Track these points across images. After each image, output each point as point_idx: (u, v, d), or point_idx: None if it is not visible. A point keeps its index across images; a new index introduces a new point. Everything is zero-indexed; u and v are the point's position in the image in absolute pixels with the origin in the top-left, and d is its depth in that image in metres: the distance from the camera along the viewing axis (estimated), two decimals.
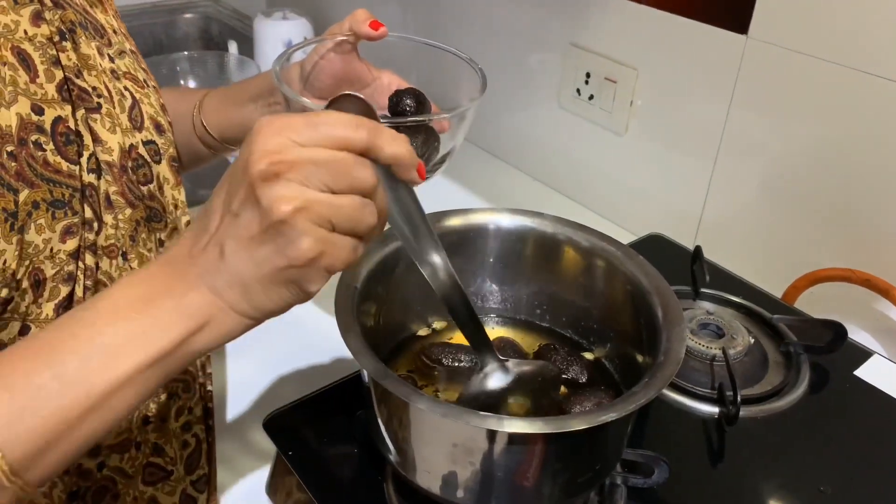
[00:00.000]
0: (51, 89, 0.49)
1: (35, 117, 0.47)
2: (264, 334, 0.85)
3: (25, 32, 0.48)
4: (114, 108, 0.54)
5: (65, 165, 0.49)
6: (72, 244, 0.49)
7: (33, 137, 0.47)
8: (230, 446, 0.71)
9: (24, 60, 0.47)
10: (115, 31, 0.59)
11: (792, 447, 0.67)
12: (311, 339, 0.84)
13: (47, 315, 0.49)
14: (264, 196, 0.37)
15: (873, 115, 0.77)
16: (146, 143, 0.57)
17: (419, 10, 1.34)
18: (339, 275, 0.59)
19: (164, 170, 0.59)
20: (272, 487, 0.66)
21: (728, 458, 0.67)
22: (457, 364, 0.65)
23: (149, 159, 0.57)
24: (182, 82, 1.46)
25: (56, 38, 0.50)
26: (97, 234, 0.51)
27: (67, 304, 0.49)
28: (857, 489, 0.64)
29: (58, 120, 0.49)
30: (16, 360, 0.38)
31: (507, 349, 0.66)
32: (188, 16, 1.77)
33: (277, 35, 1.40)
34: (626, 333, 0.64)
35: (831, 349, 0.76)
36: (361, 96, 0.43)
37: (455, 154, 0.70)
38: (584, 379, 0.64)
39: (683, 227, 1.01)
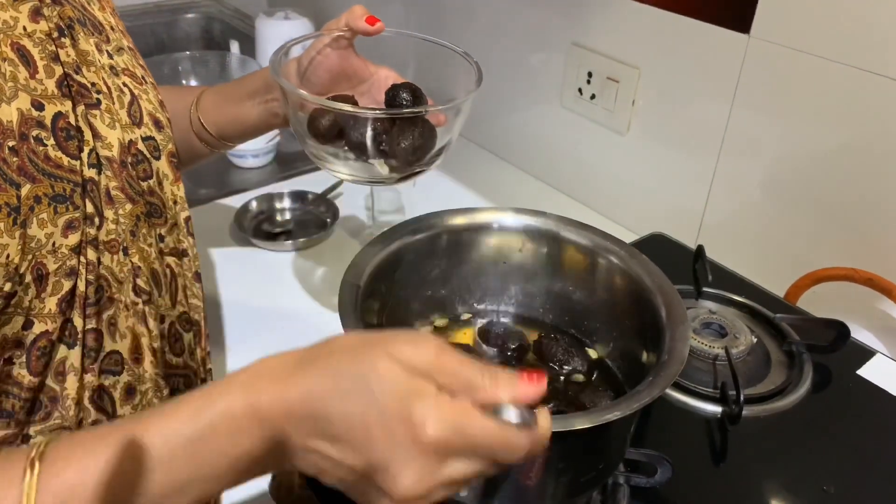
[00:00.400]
0: (50, 85, 0.49)
1: (35, 113, 0.47)
2: (267, 331, 0.85)
3: (24, 29, 0.48)
4: (113, 103, 0.54)
5: (66, 160, 0.49)
6: (73, 239, 0.49)
7: (34, 133, 0.47)
8: None
9: (24, 56, 0.48)
10: (112, 28, 0.59)
11: (795, 447, 0.67)
12: (314, 337, 0.84)
13: (50, 309, 0.49)
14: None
15: (876, 114, 0.77)
16: (145, 138, 0.57)
17: (421, 10, 1.34)
18: (343, 274, 0.59)
19: (163, 166, 0.59)
20: (274, 486, 0.66)
21: (731, 457, 0.67)
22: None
23: (148, 155, 0.57)
24: (184, 82, 1.47)
25: (55, 35, 0.50)
26: (98, 228, 0.51)
27: (70, 298, 0.50)
28: (860, 488, 0.64)
29: (58, 115, 0.49)
30: None
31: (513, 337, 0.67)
32: (190, 15, 1.77)
33: (279, 35, 1.40)
34: (629, 332, 0.64)
35: (834, 348, 0.76)
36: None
37: (451, 147, 0.70)
38: (583, 368, 0.64)
39: (686, 226, 1.01)
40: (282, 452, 0.39)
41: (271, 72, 0.66)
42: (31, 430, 0.50)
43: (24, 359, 0.48)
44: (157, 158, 0.59)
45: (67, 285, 0.49)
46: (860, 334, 0.84)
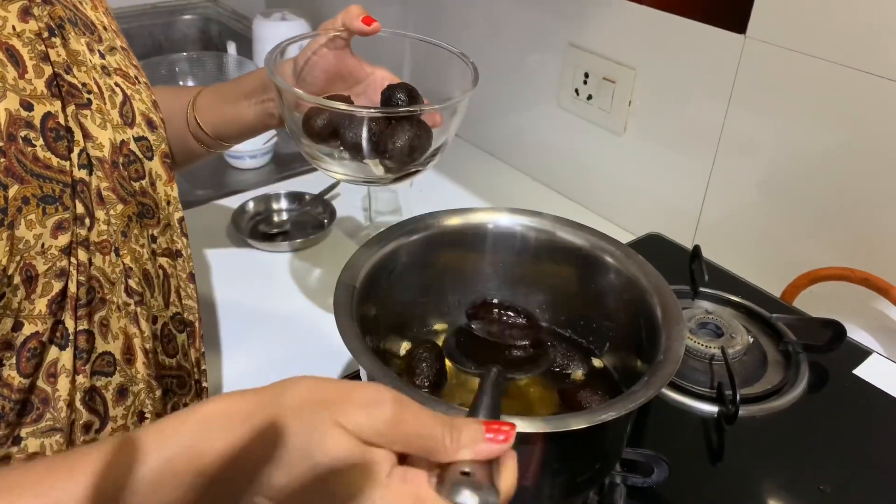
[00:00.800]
0: (40, 85, 0.49)
1: (24, 113, 0.47)
2: (262, 332, 0.85)
3: (13, 28, 0.48)
4: (104, 103, 0.54)
5: (55, 161, 0.49)
6: (63, 240, 0.49)
7: (23, 133, 0.47)
8: None
9: (13, 56, 0.47)
10: (105, 28, 0.59)
11: (791, 446, 0.67)
12: (310, 338, 0.84)
13: (40, 311, 0.49)
14: None
15: (872, 114, 0.77)
16: (137, 139, 0.57)
17: (419, 11, 1.35)
18: (338, 275, 0.59)
19: (156, 166, 0.59)
20: None
21: (727, 457, 0.67)
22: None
23: (140, 155, 0.57)
24: (181, 83, 1.47)
25: (45, 34, 0.50)
26: (89, 229, 0.51)
27: (60, 299, 0.49)
28: (856, 488, 0.64)
29: (47, 115, 0.49)
30: None
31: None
32: (187, 17, 1.77)
33: (276, 36, 1.39)
34: (625, 332, 0.64)
35: (830, 348, 0.76)
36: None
37: (447, 148, 0.70)
38: (583, 372, 0.64)
39: (682, 226, 1.01)
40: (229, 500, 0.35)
41: (267, 71, 0.66)
42: (23, 432, 0.50)
43: (13, 360, 0.48)
44: (150, 159, 0.58)
45: (58, 286, 0.49)
46: (856, 334, 0.85)
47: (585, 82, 1.06)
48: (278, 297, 0.92)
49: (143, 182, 0.57)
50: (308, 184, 1.14)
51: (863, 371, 0.76)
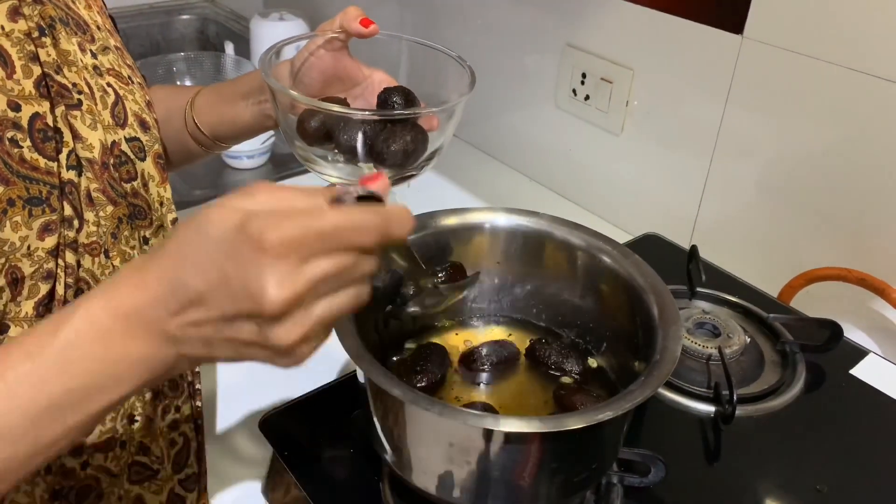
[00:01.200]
0: (28, 85, 0.48)
1: (11, 114, 0.47)
2: None
3: (2, 28, 0.48)
4: (95, 104, 0.53)
5: (42, 162, 0.48)
6: (50, 242, 0.49)
7: (9, 134, 0.47)
8: (225, 446, 0.71)
9: (1, 56, 0.47)
10: (99, 27, 0.58)
11: (788, 446, 0.68)
12: None
13: (27, 313, 0.48)
14: (271, 331, 0.37)
15: (868, 114, 0.78)
16: (130, 139, 0.57)
17: (416, 11, 1.34)
18: None
19: (148, 167, 0.59)
20: (268, 487, 0.66)
21: (724, 457, 0.67)
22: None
23: (132, 156, 0.57)
24: (179, 83, 1.46)
25: (35, 34, 0.50)
26: (78, 231, 0.51)
27: (48, 302, 0.49)
28: (853, 488, 0.64)
29: (35, 116, 0.48)
30: None
31: (500, 350, 0.66)
32: (185, 17, 1.77)
33: (274, 36, 1.39)
34: (622, 332, 0.64)
35: (827, 348, 0.76)
36: (371, 190, 0.41)
37: (444, 151, 0.70)
38: (578, 369, 0.65)
39: (679, 226, 1.01)
40: (163, 343, 0.38)
41: (261, 71, 0.66)
42: None
43: None
44: (143, 160, 0.58)
45: (45, 289, 0.49)
46: (853, 334, 0.85)
47: (583, 82, 1.06)
48: None
49: (135, 183, 0.57)
50: (305, 184, 1.13)
51: (859, 371, 0.76)
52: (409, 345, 0.68)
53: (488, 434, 0.49)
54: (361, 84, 0.73)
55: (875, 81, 0.76)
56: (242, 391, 0.77)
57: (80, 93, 0.52)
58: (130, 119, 0.57)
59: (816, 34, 0.79)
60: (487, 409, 0.59)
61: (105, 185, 0.53)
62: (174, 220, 0.62)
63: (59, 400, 0.38)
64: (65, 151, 0.50)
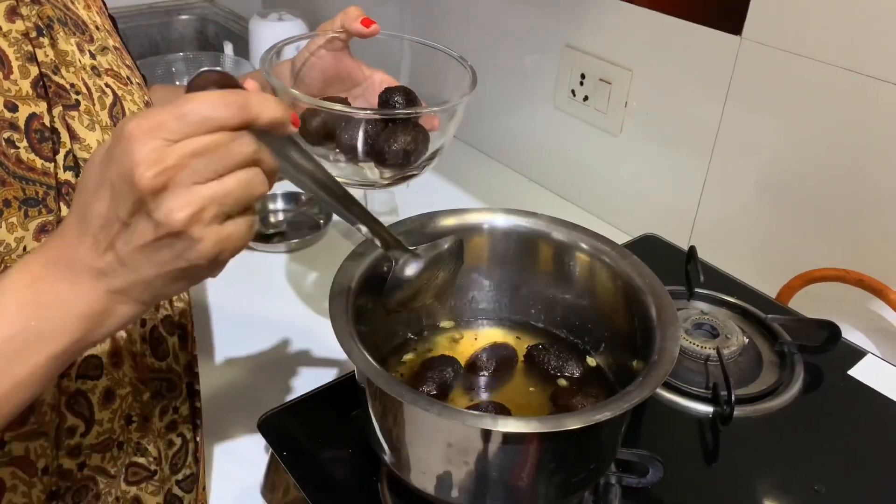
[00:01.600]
0: (25, 86, 0.48)
1: (8, 114, 0.47)
2: (257, 334, 0.85)
3: (0, 28, 0.48)
4: (93, 105, 0.53)
5: (39, 163, 0.48)
6: None
7: (6, 135, 0.47)
8: (223, 447, 0.71)
9: None
10: (98, 27, 0.58)
11: (786, 447, 0.68)
12: (306, 339, 0.84)
13: None
14: (157, 209, 0.38)
15: (866, 115, 0.78)
16: None
17: (415, 11, 1.35)
18: (333, 276, 0.59)
19: None
20: (267, 487, 0.66)
21: (722, 457, 0.67)
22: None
23: None
24: (178, 83, 1.47)
25: (33, 34, 0.50)
26: None
27: None
28: (851, 488, 0.64)
29: (32, 117, 0.48)
30: None
31: (498, 353, 0.66)
32: (184, 17, 1.77)
33: (273, 36, 1.40)
34: (620, 333, 0.64)
35: (825, 349, 0.76)
36: (218, 69, 0.43)
37: (444, 151, 0.70)
38: (578, 372, 0.65)
39: (678, 227, 1.01)
40: (90, 280, 0.40)
41: (262, 70, 0.66)
42: (7, 436, 0.50)
43: None
44: None
45: None
46: (851, 335, 0.85)
47: (582, 83, 1.06)
48: (274, 298, 0.92)
49: None
50: None
51: (857, 372, 0.76)
52: (408, 356, 0.68)
53: (487, 434, 0.49)
54: (362, 84, 0.73)
55: (873, 82, 0.76)
56: (241, 391, 0.77)
57: (77, 93, 0.52)
58: None
59: (815, 35, 0.79)
60: (498, 408, 0.59)
61: None
62: None
63: (4, 348, 0.39)
64: (62, 152, 0.50)
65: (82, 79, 0.53)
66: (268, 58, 0.68)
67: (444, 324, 0.71)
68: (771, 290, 0.89)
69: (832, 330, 0.75)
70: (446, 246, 0.61)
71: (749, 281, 0.90)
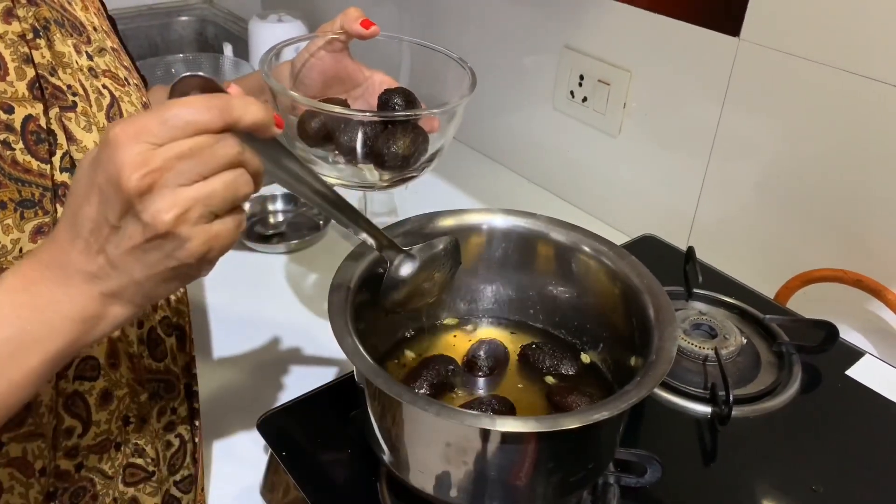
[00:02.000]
0: (21, 87, 0.48)
1: (4, 116, 0.47)
2: (256, 335, 0.85)
3: None
4: (90, 106, 0.53)
5: (35, 164, 0.48)
6: None
7: (1, 137, 0.47)
8: (222, 447, 0.71)
9: None
10: (95, 29, 0.58)
11: (784, 447, 0.68)
12: (305, 339, 0.84)
13: None
14: (144, 211, 0.39)
15: (864, 116, 0.78)
16: None
17: (414, 12, 1.35)
18: (332, 276, 0.59)
19: None
20: (266, 488, 0.66)
21: (720, 457, 0.67)
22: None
23: None
24: None
25: (29, 36, 0.50)
26: None
27: None
28: (849, 488, 0.64)
29: (28, 118, 0.48)
30: None
31: (493, 352, 0.67)
32: (183, 18, 1.77)
33: (272, 37, 1.40)
34: (618, 333, 0.64)
35: (823, 349, 0.76)
36: (200, 73, 0.44)
37: (444, 153, 0.70)
38: (573, 371, 0.65)
39: (676, 227, 1.01)
40: (83, 283, 0.41)
41: (262, 72, 0.66)
42: (4, 437, 0.50)
43: None
44: None
45: None
46: (849, 335, 0.85)
47: (580, 84, 1.07)
48: (273, 298, 0.92)
49: None
50: None
51: (855, 372, 0.76)
52: (408, 356, 0.68)
53: (485, 434, 0.49)
54: (362, 85, 0.73)
55: (870, 83, 0.76)
56: (241, 391, 0.77)
57: (74, 95, 0.52)
58: None
59: (813, 37, 0.79)
60: (502, 402, 0.60)
61: None
62: None
63: (2, 349, 0.40)
64: (59, 154, 0.50)
65: (79, 80, 0.53)
66: (267, 59, 0.68)
67: (444, 323, 0.71)
68: (769, 290, 0.89)
69: (830, 330, 0.76)
70: (441, 246, 0.61)
71: (747, 281, 0.90)
